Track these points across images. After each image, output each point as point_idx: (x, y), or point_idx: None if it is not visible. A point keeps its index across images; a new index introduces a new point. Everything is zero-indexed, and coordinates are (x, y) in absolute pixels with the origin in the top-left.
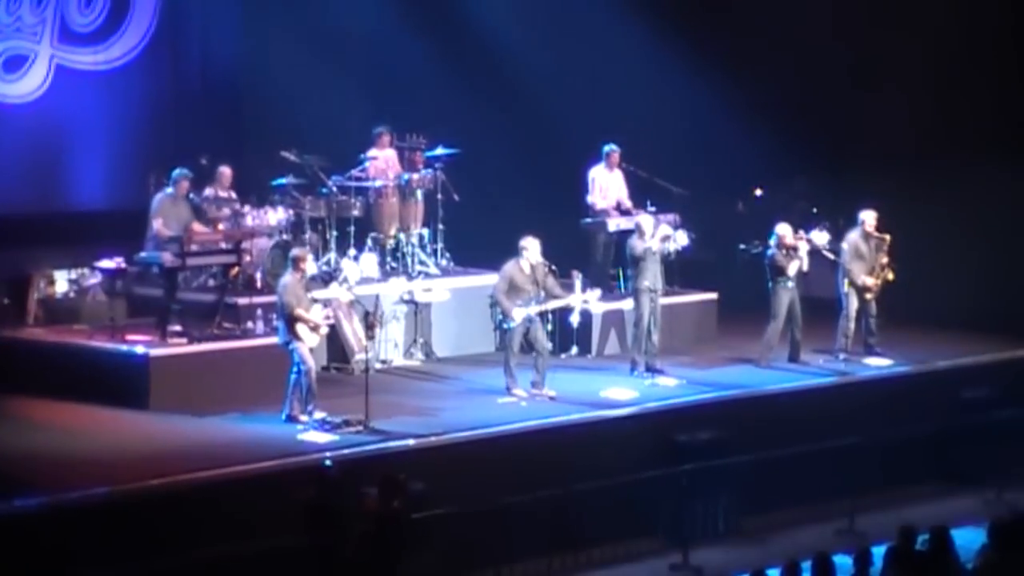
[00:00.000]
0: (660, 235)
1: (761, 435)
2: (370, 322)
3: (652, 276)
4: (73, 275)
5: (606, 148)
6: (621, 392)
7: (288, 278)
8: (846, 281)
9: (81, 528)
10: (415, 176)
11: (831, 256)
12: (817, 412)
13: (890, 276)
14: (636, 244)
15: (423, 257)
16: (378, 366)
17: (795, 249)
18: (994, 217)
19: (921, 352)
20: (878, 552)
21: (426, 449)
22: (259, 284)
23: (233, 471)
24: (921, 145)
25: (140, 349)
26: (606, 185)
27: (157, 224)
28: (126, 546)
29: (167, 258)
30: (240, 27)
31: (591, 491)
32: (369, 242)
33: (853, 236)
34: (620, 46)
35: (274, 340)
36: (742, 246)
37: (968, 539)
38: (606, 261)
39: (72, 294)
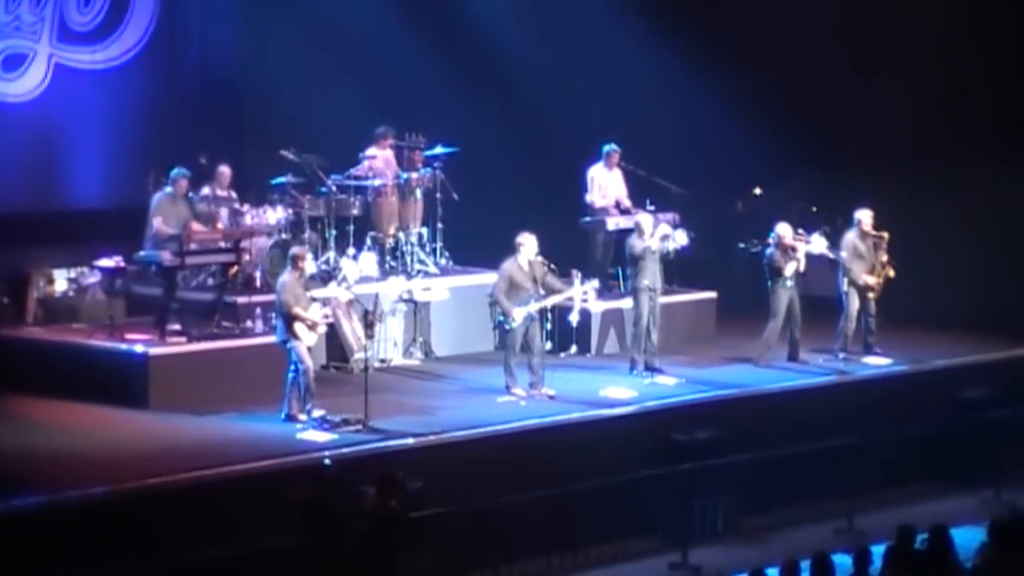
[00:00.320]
0: (659, 234)
1: (760, 434)
2: (369, 321)
3: (651, 275)
4: (72, 274)
5: (606, 148)
6: (620, 391)
7: (287, 277)
8: (846, 280)
9: (80, 527)
10: (414, 175)
11: (831, 255)
12: (816, 411)
13: (891, 273)
14: (635, 243)
15: (422, 256)
16: (377, 365)
17: (794, 250)
18: (993, 216)
19: (920, 351)
20: (877, 551)
21: (425, 448)
22: (258, 283)
23: (232, 470)
24: (920, 144)
25: (139, 348)
26: (605, 184)
27: (156, 223)
28: (125, 545)
29: (166, 257)
30: (239, 26)
31: (590, 490)
32: (368, 241)
33: (850, 236)
34: (619, 45)
35: (273, 339)
36: (741, 245)
37: (967, 538)
38: (605, 260)
39: (71, 293)
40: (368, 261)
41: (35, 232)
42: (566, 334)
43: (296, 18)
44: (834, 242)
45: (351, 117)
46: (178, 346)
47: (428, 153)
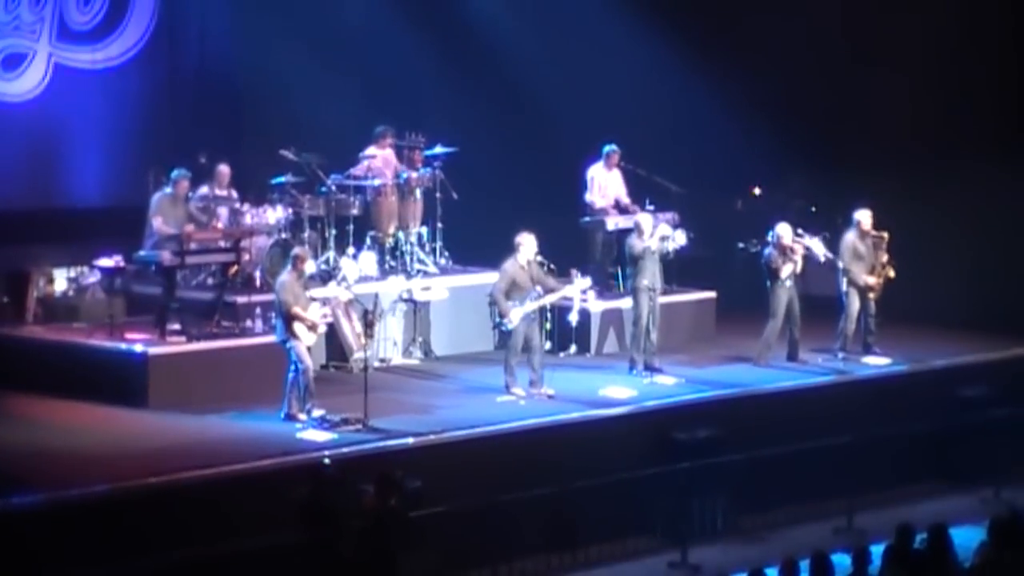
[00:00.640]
0: (659, 234)
1: (759, 434)
2: (369, 321)
3: (651, 275)
4: (72, 273)
5: (606, 148)
6: (619, 391)
7: (286, 276)
8: (846, 280)
9: (79, 526)
10: (414, 175)
11: (828, 257)
12: (815, 411)
13: (891, 274)
14: (635, 243)
15: (422, 256)
16: (377, 364)
17: (792, 251)
18: (992, 216)
19: (919, 351)
20: (876, 551)
21: (425, 447)
22: (258, 283)
23: (232, 469)
24: (920, 144)
25: (139, 347)
26: (605, 184)
27: (156, 223)
28: (125, 544)
29: (166, 257)
30: (239, 26)
31: (589, 489)
32: (368, 241)
33: (850, 237)
34: (618, 45)
35: (273, 339)
36: (740, 245)
37: (966, 538)
38: (605, 260)
39: (71, 292)
40: (368, 261)
41: (35, 231)
42: (566, 334)
43: (295, 17)
44: (834, 247)
45: (351, 117)
46: (178, 345)
47: (428, 153)
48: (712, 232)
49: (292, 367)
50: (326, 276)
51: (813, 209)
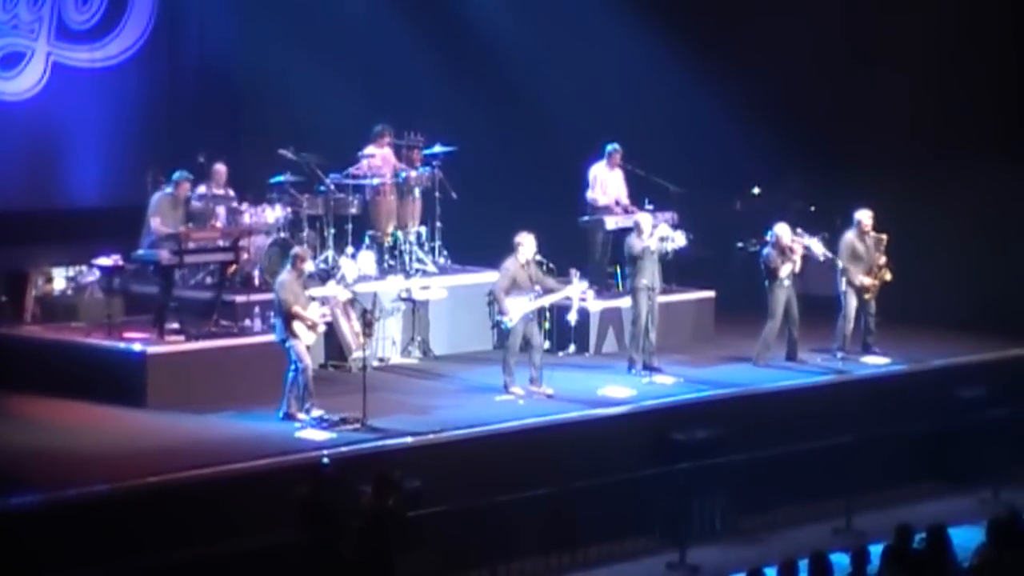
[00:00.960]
0: (658, 235)
1: (758, 434)
2: (368, 320)
3: (650, 274)
4: (70, 273)
5: (609, 147)
6: (618, 390)
7: (286, 275)
8: (844, 280)
9: (78, 525)
10: (413, 174)
11: (829, 255)
12: (814, 411)
13: (888, 276)
14: (634, 243)
15: (421, 255)
16: (375, 364)
17: (791, 251)
18: (991, 216)
19: (918, 351)
20: (875, 551)
21: (423, 447)
22: (257, 282)
23: (230, 469)
24: (919, 144)
25: (137, 347)
26: (606, 183)
27: (155, 223)
28: (123, 543)
29: (164, 256)
30: (238, 25)
31: (588, 489)
32: (367, 240)
33: (849, 236)
34: (617, 44)
35: (271, 338)
36: (739, 244)
37: (965, 538)
38: (604, 259)
39: (69, 292)
40: (366, 260)
41: (33, 231)
42: (564, 333)
43: (295, 17)
44: (832, 247)
45: (350, 116)
46: (176, 345)
47: (427, 152)
48: (711, 232)
49: (291, 366)
50: (325, 275)
51: (812, 209)
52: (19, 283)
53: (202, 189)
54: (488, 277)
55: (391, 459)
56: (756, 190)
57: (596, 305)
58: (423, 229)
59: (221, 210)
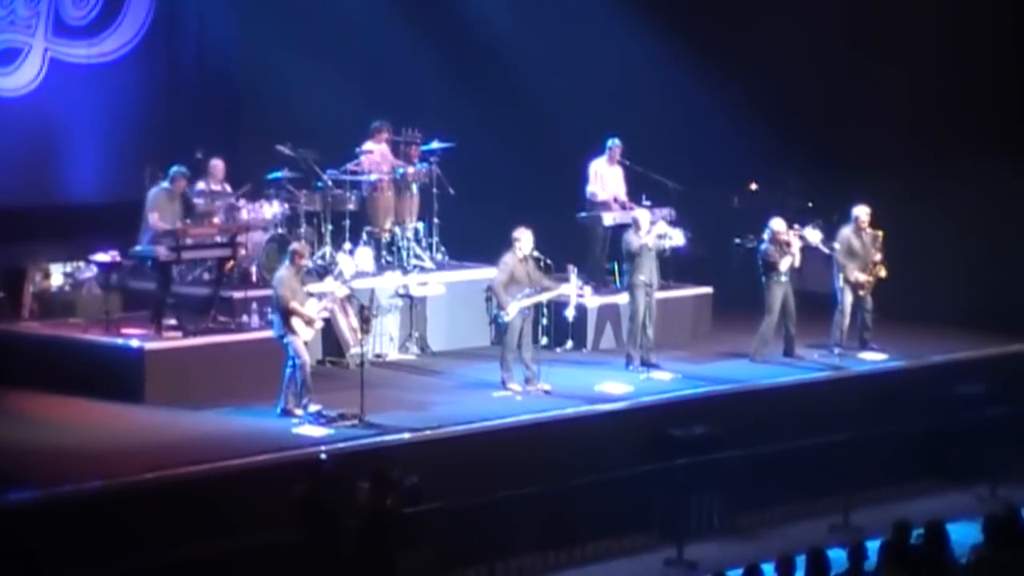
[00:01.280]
0: (656, 232)
1: (756, 430)
2: (365, 316)
3: (647, 271)
4: (68, 269)
5: (609, 142)
6: (616, 386)
7: (283, 271)
8: (841, 276)
9: (75, 522)
10: (410, 170)
11: (826, 251)
12: (812, 407)
13: (882, 273)
14: (632, 239)
15: (418, 251)
16: (373, 360)
17: (788, 245)
18: (990, 214)
19: (916, 348)
20: (873, 547)
21: (421, 443)
22: (254, 278)
23: (228, 465)
24: (918, 142)
25: (135, 343)
26: (605, 178)
27: (152, 219)
28: (120, 540)
29: (161, 252)
30: (235, 21)
31: (586, 486)
32: (364, 236)
33: (846, 232)
34: (615, 41)
35: (269, 334)
36: (737, 240)
37: (962, 534)
38: (602, 255)
39: (67, 288)
40: (364, 256)
41: (31, 227)
42: (562, 329)
43: (292, 13)
44: (828, 236)
45: (347, 112)
46: (174, 341)
47: (424, 148)
48: (709, 228)
49: (289, 362)
50: (322, 271)
51: (810, 205)
52: (17, 279)
53: (200, 185)
54: (486, 273)
55: (389, 455)
56: (754, 186)
57: (594, 301)
58: (421, 225)
59: (219, 205)
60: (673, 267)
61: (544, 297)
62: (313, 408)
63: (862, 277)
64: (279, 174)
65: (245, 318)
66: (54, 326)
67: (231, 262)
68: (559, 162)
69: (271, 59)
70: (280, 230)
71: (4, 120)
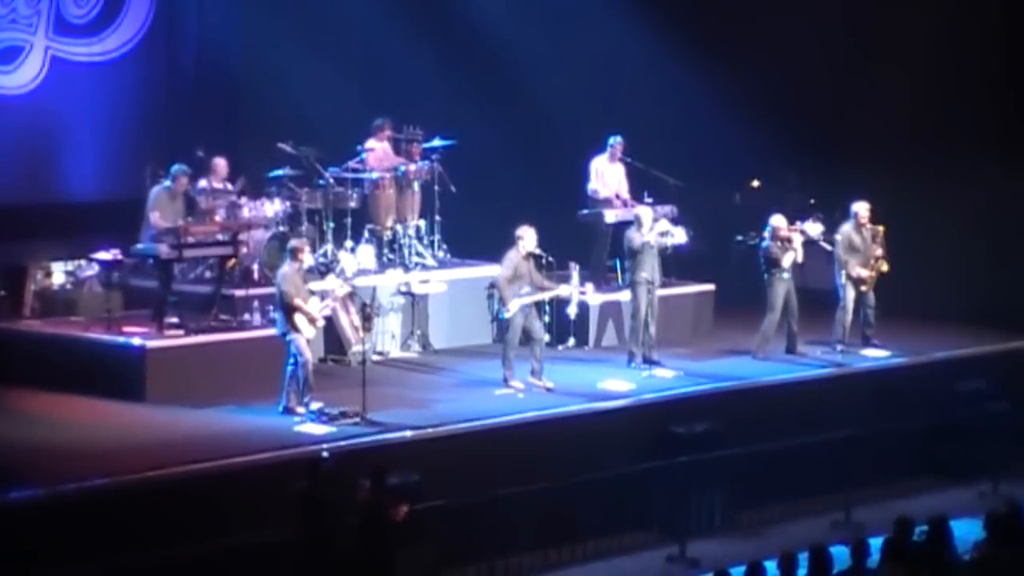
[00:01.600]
0: (658, 229)
1: (757, 427)
2: (367, 314)
3: (649, 268)
4: (69, 267)
5: (611, 139)
6: (618, 384)
7: (287, 268)
8: (843, 273)
9: (77, 520)
10: (412, 167)
11: (827, 247)
12: (814, 404)
13: (884, 268)
14: (634, 237)
15: (420, 249)
16: (375, 358)
17: (789, 241)
18: (991, 210)
19: (918, 344)
20: (875, 544)
21: (423, 441)
22: (256, 276)
23: (230, 463)
24: (919, 139)
25: (136, 341)
26: (607, 175)
27: (154, 217)
28: (122, 538)
29: (163, 250)
30: (236, 18)
31: (587, 483)
32: (366, 234)
33: (846, 228)
34: (617, 38)
35: (271, 332)
36: (739, 238)
37: (964, 531)
38: (603, 252)
39: (68, 286)
40: (366, 254)
41: (32, 225)
42: (564, 327)
43: (293, 10)
44: (829, 232)
45: (348, 109)
46: (175, 339)
47: (426, 145)
48: (710, 225)
49: (291, 360)
50: (324, 269)
51: (811, 202)
52: (18, 277)
53: (203, 183)
54: (487, 271)
55: (390, 453)
56: (755, 183)
57: (596, 299)
58: (422, 223)
59: (220, 203)
60: (675, 264)
61: (546, 295)
62: (315, 406)
63: (864, 272)
64: (280, 172)
65: (247, 316)
66: (55, 324)
67: (233, 260)
68: (561, 159)
69: (272, 57)
70: (282, 228)
71: (5, 118)
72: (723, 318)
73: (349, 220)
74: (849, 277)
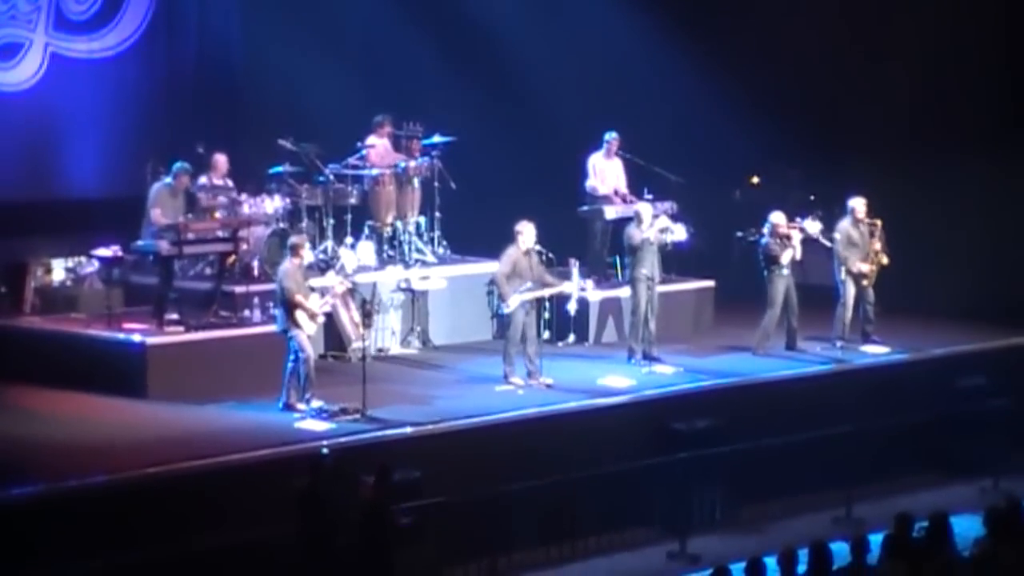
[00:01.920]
0: (658, 226)
1: (758, 423)
2: (367, 310)
3: (649, 264)
4: (70, 263)
5: (607, 136)
6: (618, 380)
7: (287, 264)
8: (843, 269)
9: (77, 516)
10: (412, 164)
11: (826, 243)
12: (814, 400)
13: (884, 260)
14: (634, 233)
15: (420, 245)
16: (375, 354)
17: (788, 238)
18: (991, 206)
19: (918, 340)
20: (875, 540)
21: (423, 437)
22: (256, 272)
23: (230, 459)
24: (918, 134)
25: (137, 337)
26: (604, 172)
27: (154, 214)
28: (122, 534)
29: (164, 246)
30: (237, 15)
31: (588, 480)
32: (366, 230)
33: (844, 224)
34: (617, 35)
35: (271, 328)
36: (739, 234)
37: (965, 527)
38: (603, 249)
39: (69, 282)
40: (366, 250)
41: (33, 222)
42: (564, 323)
43: (294, 6)
44: (829, 228)
45: (348, 106)
46: (176, 335)
47: (426, 142)
48: (710, 222)
49: (292, 356)
50: (324, 266)
51: (811, 198)
52: (18, 274)
53: (203, 179)
54: (487, 267)
55: (391, 449)
56: (756, 180)
57: (595, 295)
58: (422, 219)
59: (221, 200)
60: (675, 261)
61: (546, 292)
62: (315, 403)
63: (865, 267)
64: (280, 168)
65: (247, 313)
66: (56, 321)
67: (233, 257)
68: (561, 156)
69: (272, 53)
70: (282, 224)
71: (5, 115)
72: (723, 314)
73: (349, 216)
74: (849, 273)
